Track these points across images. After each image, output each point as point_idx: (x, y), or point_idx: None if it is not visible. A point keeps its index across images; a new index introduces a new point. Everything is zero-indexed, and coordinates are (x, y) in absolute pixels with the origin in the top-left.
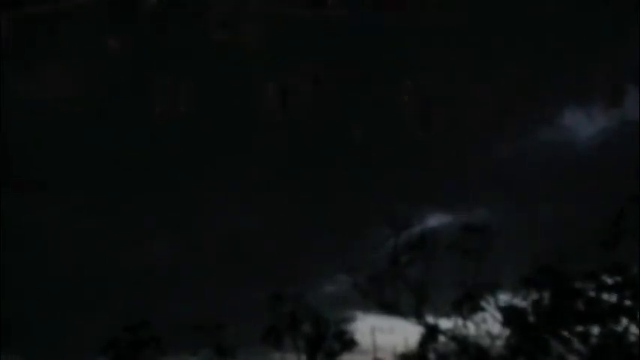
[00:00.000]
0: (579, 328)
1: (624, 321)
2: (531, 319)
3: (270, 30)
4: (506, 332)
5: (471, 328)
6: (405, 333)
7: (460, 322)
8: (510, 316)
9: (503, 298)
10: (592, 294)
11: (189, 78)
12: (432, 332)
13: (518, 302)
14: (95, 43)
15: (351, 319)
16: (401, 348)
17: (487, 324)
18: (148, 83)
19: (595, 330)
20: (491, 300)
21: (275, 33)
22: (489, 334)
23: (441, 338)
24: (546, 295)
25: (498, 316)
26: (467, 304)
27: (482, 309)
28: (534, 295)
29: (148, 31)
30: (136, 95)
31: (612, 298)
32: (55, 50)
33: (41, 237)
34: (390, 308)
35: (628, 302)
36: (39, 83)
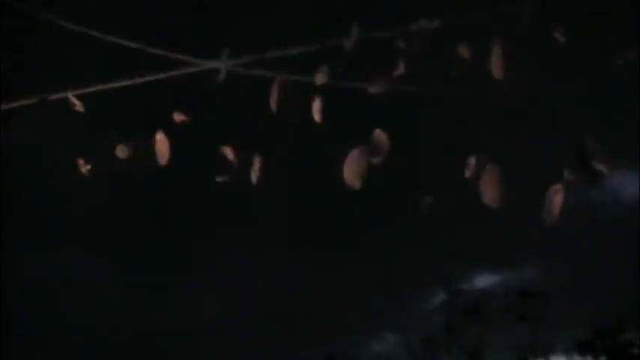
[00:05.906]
0: None
1: None
2: None
3: (336, 103)
4: None
5: None
6: None
7: None
8: None
9: None
10: None
11: (256, 151)
12: None
13: None
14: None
15: None
16: None
17: None
18: (214, 156)
19: None
20: None
21: (339, 106)
22: None
23: None
24: None
25: None
26: None
27: None
28: None
29: (214, 105)
30: (202, 167)
31: None
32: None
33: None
34: None
35: None
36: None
